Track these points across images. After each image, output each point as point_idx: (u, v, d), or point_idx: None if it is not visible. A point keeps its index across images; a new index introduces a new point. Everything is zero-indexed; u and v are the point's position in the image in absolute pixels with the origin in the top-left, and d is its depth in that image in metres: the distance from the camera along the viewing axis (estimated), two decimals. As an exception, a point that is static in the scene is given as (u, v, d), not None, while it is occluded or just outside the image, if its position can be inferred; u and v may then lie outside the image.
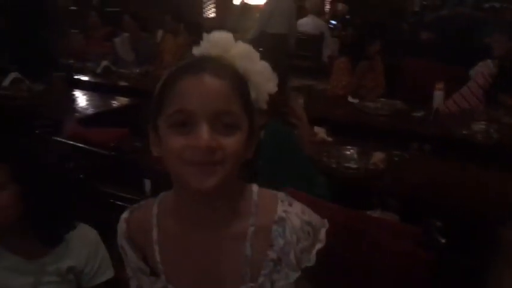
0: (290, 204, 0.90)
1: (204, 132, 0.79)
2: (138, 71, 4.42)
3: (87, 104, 3.55)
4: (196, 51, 0.89)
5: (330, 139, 2.51)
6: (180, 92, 0.81)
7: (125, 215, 0.97)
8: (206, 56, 0.87)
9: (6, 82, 3.77)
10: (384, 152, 2.29)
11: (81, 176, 1.83)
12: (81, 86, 4.11)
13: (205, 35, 0.89)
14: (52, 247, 1.33)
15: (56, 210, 1.34)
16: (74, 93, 3.84)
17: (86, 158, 2.04)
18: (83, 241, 1.38)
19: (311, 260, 0.89)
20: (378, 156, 2.28)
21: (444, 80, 3.22)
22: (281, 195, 0.92)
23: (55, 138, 2.19)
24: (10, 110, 3.40)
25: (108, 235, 1.82)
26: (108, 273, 1.41)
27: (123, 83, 4.22)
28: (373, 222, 1.44)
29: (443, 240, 1.28)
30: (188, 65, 0.84)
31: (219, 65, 0.84)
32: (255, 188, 0.92)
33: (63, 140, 2.16)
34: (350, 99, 3.50)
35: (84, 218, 1.44)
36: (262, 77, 0.89)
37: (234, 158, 0.81)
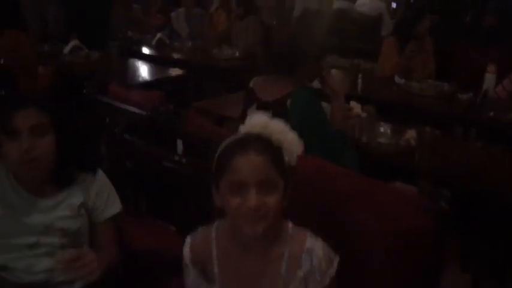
0: (316, 239, 1.20)
1: (252, 196, 1.09)
2: (190, 44, 4.55)
3: (137, 72, 3.72)
4: (242, 129, 1.19)
5: (364, 115, 2.49)
6: (234, 167, 1.11)
7: (188, 242, 1.26)
8: (250, 135, 1.16)
9: (67, 49, 4.04)
10: (417, 129, 2.25)
11: (115, 130, 1.95)
12: (137, 56, 4.31)
13: (248, 118, 1.20)
14: (68, 187, 1.46)
15: (81, 157, 1.48)
16: (128, 61, 4.03)
17: (125, 117, 2.16)
18: (92, 181, 1.50)
19: (327, 281, 1.18)
20: (410, 134, 2.25)
21: (499, 64, 3.09)
22: (309, 231, 1.22)
23: (99, 97, 2.33)
24: (68, 74, 3.63)
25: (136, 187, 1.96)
26: (116, 207, 1.54)
27: (175, 55, 4.37)
28: (384, 190, 1.44)
29: (447, 208, 1.27)
30: (237, 143, 1.15)
31: (259, 143, 1.13)
32: (290, 224, 1.22)
33: (106, 99, 2.30)
34: (397, 79, 3.44)
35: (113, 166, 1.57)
36: (292, 144, 1.17)
37: (274, 210, 1.12)
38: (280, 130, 1.17)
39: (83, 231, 1.49)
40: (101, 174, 1.54)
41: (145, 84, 3.43)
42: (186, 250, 1.25)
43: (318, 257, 1.18)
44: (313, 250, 1.18)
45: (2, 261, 1.40)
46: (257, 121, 1.18)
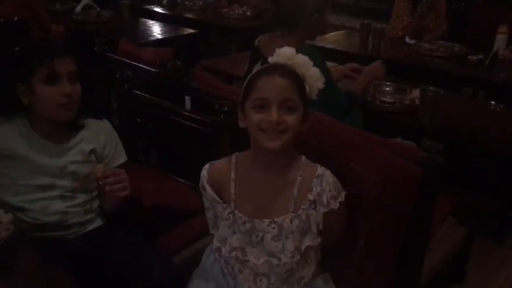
0: (326, 170, 1.30)
1: (274, 112, 1.20)
2: (201, 3, 4.54)
3: (148, 30, 3.74)
4: (270, 59, 1.29)
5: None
6: (260, 86, 1.22)
7: (206, 166, 1.34)
8: (276, 64, 1.27)
9: (78, 8, 4.06)
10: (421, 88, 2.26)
11: (126, 86, 2.01)
12: (148, 15, 4.32)
13: (276, 50, 1.28)
14: (78, 134, 1.56)
15: (92, 106, 1.58)
16: (139, 20, 4.05)
17: (135, 73, 2.20)
18: (101, 129, 1.61)
19: (336, 205, 1.27)
20: (415, 93, 2.27)
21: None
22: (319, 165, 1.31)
23: (109, 54, 2.38)
24: (79, 32, 3.66)
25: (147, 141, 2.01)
26: (123, 158, 1.65)
27: (186, 14, 4.37)
28: (382, 144, 1.49)
29: (440, 160, 1.31)
30: (265, 69, 1.27)
31: (285, 70, 1.24)
32: (303, 156, 1.32)
33: (116, 56, 2.35)
34: (408, 40, 3.42)
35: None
36: (314, 79, 1.27)
37: (292, 129, 1.21)
38: (304, 63, 1.27)
39: (93, 177, 1.57)
40: (108, 124, 1.64)
41: (156, 43, 3.45)
42: (204, 172, 1.33)
43: (328, 182, 1.27)
44: (324, 176, 1.27)
45: (19, 203, 1.49)
46: (284, 52, 1.27)
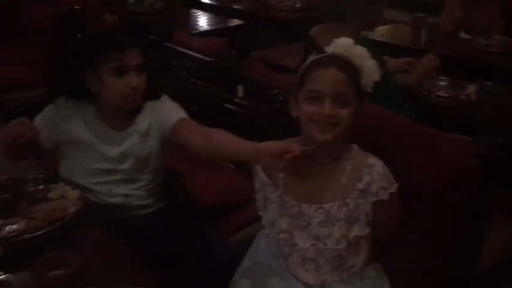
0: (378, 159, 1.28)
1: (327, 105, 1.20)
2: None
3: (198, 21, 3.80)
4: (327, 50, 1.29)
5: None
6: (315, 77, 1.22)
7: None
8: (333, 54, 1.27)
9: (132, -1, 4.17)
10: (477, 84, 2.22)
11: (183, 73, 2.06)
12: (198, 6, 4.39)
13: (334, 40, 1.29)
14: (134, 117, 1.60)
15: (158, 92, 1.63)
16: (190, 11, 4.12)
17: (190, 62, 2.26)
18: (155, 106, 1.62)
19: (386, 196, 1.25)
20: (471, 88, 2.22)
21: None
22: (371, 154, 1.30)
23: (165, 43, 2.44)
24: (133, 23, 3.77)
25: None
26: (183, 113, 1.61)
27: (235, 5, 4.40)
28: (437, 137, 1.47)
29: (497, 153, 1.30)
30: (322, 60, 1.27)
31: (341, 62, 1.23)
32: (355, 146, 1.31)
33: (172, 45, 2.41)
34: (462, 35, 3.32)
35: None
36: (371, 71, 1.26)
37: (344, 123, 1.22)
38: (361, 55, 1.27)
39: (154, 156, 1.63)
40: (164, 97, 1.66)
41: (206, 33, 3.51)
42: None
43: (378, 172, 1.26)
44: (374, 166, 1.27)
45: (85, 184, 1.58)
46: (342, 43, 1.28)
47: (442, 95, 2.25)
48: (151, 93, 1.62)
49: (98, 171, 1.58)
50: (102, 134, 1.59)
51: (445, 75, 2.46)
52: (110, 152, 1.58)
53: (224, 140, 1.42)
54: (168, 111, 1.61)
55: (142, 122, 1.60)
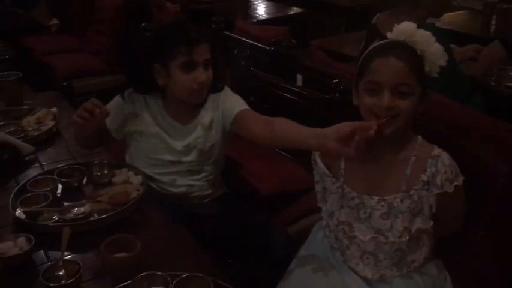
0: (443, 151, 1.23)
1: (386, 97, 1.16)
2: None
3: (258, 9, 3.80)
4: (389, 36, 1.23)
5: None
6: (373, 68, 1.18)
7: None
8: (394, 41, 1.22)
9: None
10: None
11: (243, 62, 2.07)
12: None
13: (395, 26, 1.23)
14: (199, 110, 1.62)
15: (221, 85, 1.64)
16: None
17: (250, 51, 2.26)
18: (218, 99, 1.65)
19: (451, 188, 1.20)
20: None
21: None
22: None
23: (225, 32, 2.46)
24: (194, 11, 3.82)
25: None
26: (242, 105, 1.62)
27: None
28: (509, 130, 1.39)
29: None
30: (382, 48, 1.21)
31: (402, 50, 1.18)
32: (420, 136, 1.27)
33: (232, 34, 2.42)
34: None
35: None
36: (436, 56, 1.20)
37: (405, 114, 1.17)
38: (425, 40, 1.20)
39: (216, 148, 1.65)
40: (224, 91, 1.67)
41: (266, 22, 3.50)
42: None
43: (444, 164, 1.21)
44: (440, 157, 1.22)
45: (149, 173, 1.63)
46: (404, 28, 1.22)
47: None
48: (215, 86, 1.64)
49: (163, 162, 1.62)
50: (168, 127, 1.62)
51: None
52: (175, 145, 1.61)
53: (288, 128, 1.39)
54: (230, 104, 1.62)
55: (206, 115, 1.63)
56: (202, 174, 1.65)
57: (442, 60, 1.22)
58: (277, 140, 1.47)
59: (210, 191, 1.68)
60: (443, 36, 1.84)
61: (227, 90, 1.68)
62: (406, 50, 1.19)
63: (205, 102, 1.63)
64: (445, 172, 1.20)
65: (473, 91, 2.01)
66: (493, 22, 3.03)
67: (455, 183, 1.20)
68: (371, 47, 1.26)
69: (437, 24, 3.03)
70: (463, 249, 1.40)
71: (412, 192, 1.22)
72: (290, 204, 1.82)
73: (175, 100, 1.60)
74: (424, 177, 1.21)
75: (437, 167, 1.20)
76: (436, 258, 1.34)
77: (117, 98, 1.64)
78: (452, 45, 2.37)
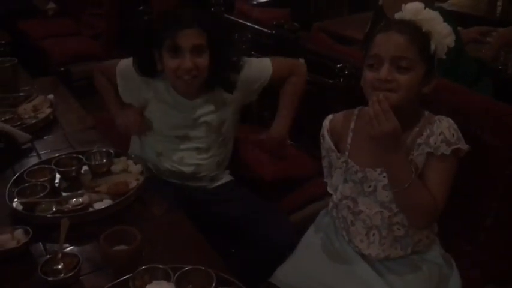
0: (446, 117, 1.20)
1: (384, 69, 1.14)
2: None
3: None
4: (397, 16, 1.22)
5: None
6: (375, 43, 1.18)
7: (329, 117, 1.35)
8: (398, 19, 1.21)
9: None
10: None
11: (244, 47, 2.01)
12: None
13: (403, 5, 1.21)
14: (211, 90, 1.59)
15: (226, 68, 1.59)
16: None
17: (251, 34, 2.21)
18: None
19: (448, 151, 1.15)
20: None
21: None
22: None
23: (226, 15, 2.40)
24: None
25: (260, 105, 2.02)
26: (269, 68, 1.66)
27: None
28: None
29: None
30: (385, 24, 1.22)
31: (403, 25, 1.17)
32: (427, 112, 1.24)
33: (232, 17, 2.36)
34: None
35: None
36: (442, 35, 1.17)
37: (404, 89, 1.14)
38: (432, 19, 1.18)
39: (226, 126, 1.64)
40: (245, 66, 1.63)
41: (267, 4, 3.43)
42: (326, 122, 1.34)
43: (442, 126, 1.18)
44: (440, 121, 1.19)
45: (160, 149, 1.63)
46: (411, 7, 1.20)
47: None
48: (217, 78, 1.57)
49: (172, 138, 1.61)
50: (174, 103, 1.60)
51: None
52: (182, 117, 1.60)
53: (281, 98, 1.69)
54: (258, 72, 1.65)
55: (219, 91, 1.60)
56: (210, 153, 1.63)
57: (449, 40, 1.18)
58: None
59: (217, 172, 1.67)
60: (451, 19, 1.79)
61: (244, 63, 1.62)
62: (409, 26, 1.17)
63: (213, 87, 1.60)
64: (441, 133, 1.17)
65: (481, 75, 1.96)
66: (499, 3, 2.98)
67: (455, 146, 1.16)
68: (379, 26, 1.23)
69: (444, 5, 2.98)
70: (470, 238, 1.38)
71: (410, 157, 1.19)
72: (293, 191, 1.79)
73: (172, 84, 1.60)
74: (420, 141, 1.19)
75: (433, 129, 1.18)
76: (442, 249, 1.32)
77: (130, 66, 1.61)
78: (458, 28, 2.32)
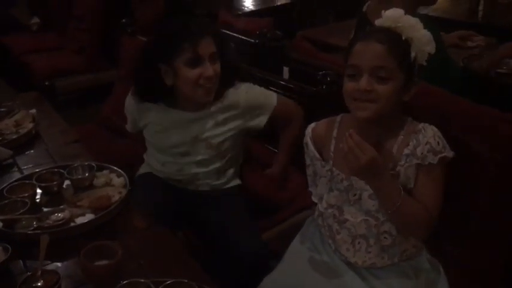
0: (430, 126, 1.20)
1: (363, 80, 1.14)
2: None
3: (243, 1, 3.74)
4: (377, 22, 1.21)
5: (483, 44, 2.30)
6: (354, 52, 1.17)
7: (312, 125, 1.34)
8: (377, 27, 1.20)
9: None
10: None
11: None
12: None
13: (383, 12, 1.20)
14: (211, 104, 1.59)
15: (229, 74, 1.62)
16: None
17: (234, 43, 2.21)
18: (237, 95, 1.63)
19: (435, 160, 1.15)
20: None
21: None
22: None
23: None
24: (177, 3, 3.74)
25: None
26: (271, 104, 1.67)
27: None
28: (497, 117, 1.35)
29: None
30: (365, 33, 1.21)
31: (383, 34, 1.16)
32: (410, 118, 1.24)
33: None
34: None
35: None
36: (422, 42, 1.16)
37: (384, 99, 1.14)
38: (412, 25, 1.17)
39: (228, 144, 1.63)
40: (245, 86, 1.66)
41: (251, 14, 3.45)
42: (309, 130, 1.33)
43: (427, 135, 1.17)
44: (425, 130, 1.19)
45: (162, 160, 1.66)
46: (390, 14, 1.19)
47: (503, 71, 2.08)
48: (227, 81, 1.61)
49: (174, 153, 1.63)
50: (177, 120, 1.61)
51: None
52: (181, 135, 1.60)
53: (281, 142, 1.77)
54: (260, 102, 1.66)
55: (221, 112, 1.61)
56: (212, 167, 1.64)
57: (430, 47, 1.18)
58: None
59: (221, 181, 1.66)
60: (434, 25, 1.80)
61: (250, 86, 1.66)
62: (388, 35, 1.17)
63: (221, 96, 1.60)
64: (427, 143, 1.17)
65: (467, 85, 1.95)
66: (480, 8, 3.01)
67: (441, 155, 1.16)
68: (357, 36, 1.23)
69: (423, 11, 3.00)
70: (456, 242, 1.38)
71: (398, 169, 1.19)
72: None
73: (185, 97, 1.59)
74: (407, 151, 1.18)
75: (419, 139, 1.18)
76: (428, 254, 1.31)
77: (128, 99, 1.69)
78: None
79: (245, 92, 1.63)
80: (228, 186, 1.67)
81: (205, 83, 1.51)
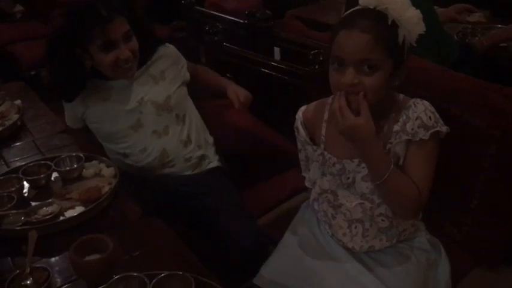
0: (421, 100, 1.15)
1: (349, 73, 1.07)
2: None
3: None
4: (361, 2, 1.11)
5: (484, 21, 2.25)
6: (338, 42, 1.09)
7: (302, 108, 1.30)
8: (361, 10, 1.10)
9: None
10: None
11: (216, 38, 1.96)
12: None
13: None
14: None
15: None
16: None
17: (223, 25, 2.14)
18: (166, 53, 1.67)
19: (426, 136, 1.11)
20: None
21: None
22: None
23: (197, 7, 2.33)
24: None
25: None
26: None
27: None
28: (496, 90, 1.31)
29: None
30: (348, 18, 1.11)
31: (368, 20, 1.07)
32: (401, 95, 1.19)
33: (203, 9, 2.30)
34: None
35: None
36: (411, 22, 1.08)
37: (371, 90, 1.08)
38: (399, 5, 1.08)
39: (174, 100, 1.62)
40: (172, 48, 1.70)
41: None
42: (299, 114, 1.29)
43: (418, 110, 1.13)
44: (415, 105, 1.14)
45: (121, 150, 1.61)
46: None
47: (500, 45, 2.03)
48: (148, 53, 1.62)
49: (127, 130, 1.59)
50: (115, 93, 1.59)
51: (499, 23, 2.24)
52: (126, 105, 1.58)
53: (208, 74, 1.82)
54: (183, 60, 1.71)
55: (153, 65, 1.63)
56: (170, 134, 1.61)
57: (420, 27, 1.10)
58: (200, 82, 1.78)
59: (188, 155, 1.63)
60: (428, 0, 1.74)
61: (173, 50, 1.70)
62: (373, 20, 1.07)
63: (153, 54, 1.63)
64: (417, 118, 1.12)
65: (466, 60, 1.91)
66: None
67: (433, 130, 1.11)
68: (340, 19, 1.15)
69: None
70: (456, 221, 1.36)
71: (388, 146, 1.14)
72: (274, 181, 1.75)
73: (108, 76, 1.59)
74: (397, 128, 1.14)
75: (409, 114, 1.13)
76: (432, 237, 1.28)
77: (65, 107, 1.69)
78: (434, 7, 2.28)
79: (173, 51, 1.69)
80: (208, 167, 1.65)
81: (123, 64, 1.50)
